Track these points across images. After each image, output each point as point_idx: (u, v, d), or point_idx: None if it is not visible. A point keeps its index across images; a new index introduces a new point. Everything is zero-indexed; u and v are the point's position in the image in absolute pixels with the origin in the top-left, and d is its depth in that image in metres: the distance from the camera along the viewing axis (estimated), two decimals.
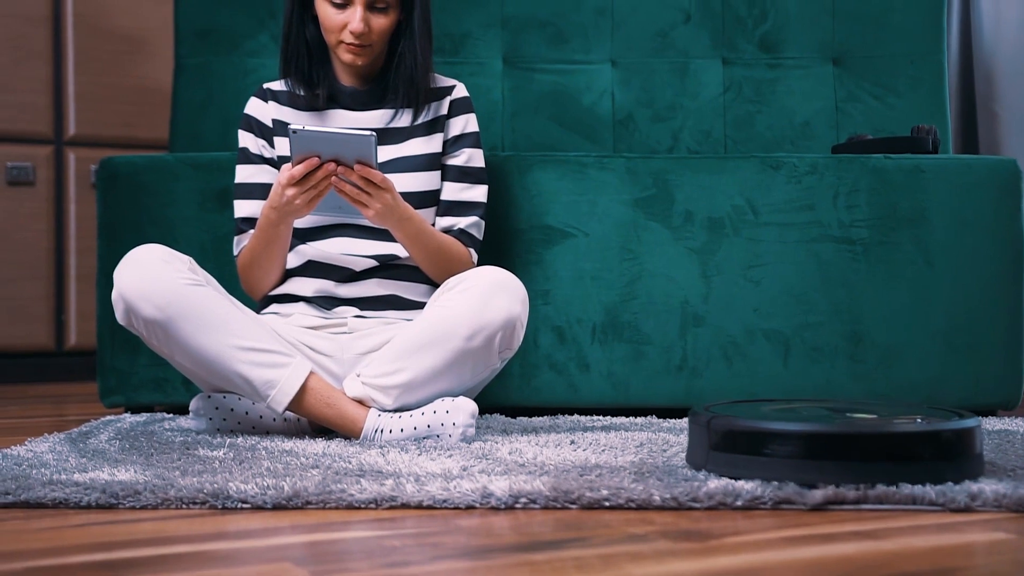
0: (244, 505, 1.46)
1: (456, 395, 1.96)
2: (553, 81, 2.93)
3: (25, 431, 2.16)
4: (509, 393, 2.37)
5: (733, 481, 1.50)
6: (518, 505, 1.46)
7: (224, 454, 1.76)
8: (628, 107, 2.93)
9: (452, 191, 2.18)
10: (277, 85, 2.22)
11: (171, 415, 2.33)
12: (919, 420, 1.53)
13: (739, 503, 1.45)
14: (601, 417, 2.33)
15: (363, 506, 1.46)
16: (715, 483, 1.49)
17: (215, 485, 1.49)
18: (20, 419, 2.46)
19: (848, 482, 1.47)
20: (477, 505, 1.46)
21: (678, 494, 1.46)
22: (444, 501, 1.46)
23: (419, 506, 1.46)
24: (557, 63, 2.94)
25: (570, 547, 1.26)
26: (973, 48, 3.34)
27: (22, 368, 3.40)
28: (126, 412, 2.42)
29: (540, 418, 2.30)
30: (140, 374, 2.40)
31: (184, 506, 1.46)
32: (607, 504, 1.46)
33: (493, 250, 2.34)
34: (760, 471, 1.51)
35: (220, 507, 1.46)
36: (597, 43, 2.95)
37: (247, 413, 2.00)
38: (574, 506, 1.46)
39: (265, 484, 1.49)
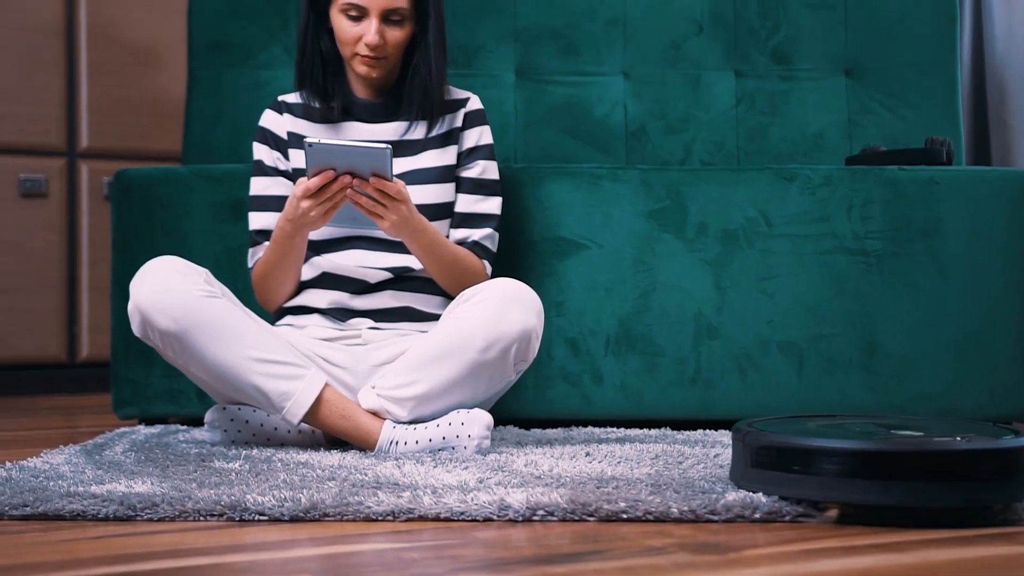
0: (261, 517, 1.46)
1: (471, 407, 1.96)
2: (566, 93, 2.93)
3: (38, 443, 2.17)
4: (523, 405, 2.37)
5: (751, 494, 1.49)
6: (536, 517, 1.46)
7: (240, 466, 1.76)
8: (641, 119, 2.93)
9: (466, 203, 2.18)
10: (292, 97, 2.22)
11: (185, 427, 2.33)
12: (959, 439, 1.43)
13: (757, 516, 1.45)
14: (615, 429, 2.32)
15: (380, 518, 1.46)
16: (733, 495, 1.48)
17: (232, 497, 1.49)
18: (33, 431, 2.46)
19: (891, 502, 1.40)
20: (495, 517, 1.46)
21: (696, 506, 1.46)
22: (462, 513, 1.46)
23: (436, 518, 1.46)
24: (569, 75, 2.94)
25: (589, 560, 1.25)
26: (985, 59, 3.33)
27: (34, 380, 3.40)
28: (140, 424, 2.43)
29: (554, 430, 2.30)
30: (154, 385, 2.41)
31: (201, 518, 1.47)
32: (625, 516, 1.45)
33: (507, 262, 2.34)
34: (792, 488, 1.46)
35: (237, 519, 1.46)
36: (609, 55, 2.95)
37: (262, 425, 2.00)
38: (592, 518, 1.46)
39: (282, 496, 1.49)
